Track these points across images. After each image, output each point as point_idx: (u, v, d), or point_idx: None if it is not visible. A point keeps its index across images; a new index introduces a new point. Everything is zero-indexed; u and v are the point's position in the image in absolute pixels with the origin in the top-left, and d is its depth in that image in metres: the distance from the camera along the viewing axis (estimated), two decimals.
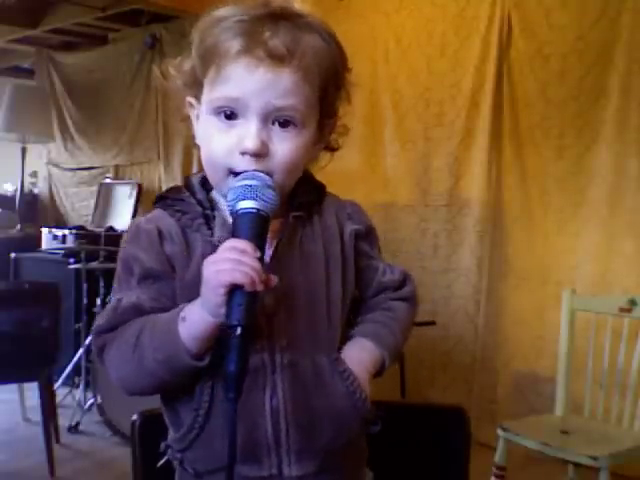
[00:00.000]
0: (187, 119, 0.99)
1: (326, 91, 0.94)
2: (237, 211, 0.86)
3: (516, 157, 3.30)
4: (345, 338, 1.00)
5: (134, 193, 4.80)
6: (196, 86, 0.94)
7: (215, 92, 0.90)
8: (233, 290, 0.80)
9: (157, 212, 0.98)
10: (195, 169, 4.46)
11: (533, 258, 3.25)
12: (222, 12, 0.90)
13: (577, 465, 2.41)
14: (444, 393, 3.53)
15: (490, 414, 3.30)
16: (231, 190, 0.87)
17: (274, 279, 0.83)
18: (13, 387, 3.38)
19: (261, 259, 0.83)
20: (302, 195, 0.99)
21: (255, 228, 0.85)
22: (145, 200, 4.73)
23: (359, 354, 0.98)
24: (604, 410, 2.48)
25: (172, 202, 0.97)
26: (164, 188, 4.23)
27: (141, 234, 0.95)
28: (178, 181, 4.56)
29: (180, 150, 4.73)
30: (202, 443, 0.92)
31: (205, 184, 0.99)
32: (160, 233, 0.94)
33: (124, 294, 0.94)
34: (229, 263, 0.80)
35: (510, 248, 3.34)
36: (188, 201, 0.96)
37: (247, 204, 0.85)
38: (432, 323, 3.35)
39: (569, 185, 3.12)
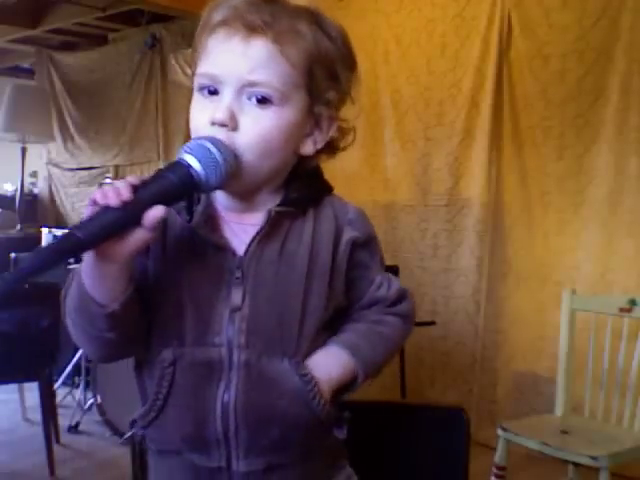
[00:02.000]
0: None
1: (312, 75, 0.90)
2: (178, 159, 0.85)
3: (516, 157, 3.30)
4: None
5: None
6: None
7: (199, 68, 0.91)
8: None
9: None
10: None
11: (533, 258, 3.25)
12: None
13: (577, 465, 2.41)
14: (444, 393, 3.53)
15: (490, 414, 3.29)
16: (188, 144, 0.86)
17: (156, 212, 0.79)
18: (13, 387, 3.37)
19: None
20: (294, 190, 0.95)
21: (174, 179, 0.82)
22: None
23: (325, 360, 0.94)
24: (604, 410, 2.47)
25: None
26: None
27: None
28: None
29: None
30: (159, 425, 0.93)
31: None
32: None
33: None
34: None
35: (510, 248, 3.34)
36: None
37: (189, 159, 0.83)
38: (432, 323, 3.35)
39: (569, 185, 3.12)
